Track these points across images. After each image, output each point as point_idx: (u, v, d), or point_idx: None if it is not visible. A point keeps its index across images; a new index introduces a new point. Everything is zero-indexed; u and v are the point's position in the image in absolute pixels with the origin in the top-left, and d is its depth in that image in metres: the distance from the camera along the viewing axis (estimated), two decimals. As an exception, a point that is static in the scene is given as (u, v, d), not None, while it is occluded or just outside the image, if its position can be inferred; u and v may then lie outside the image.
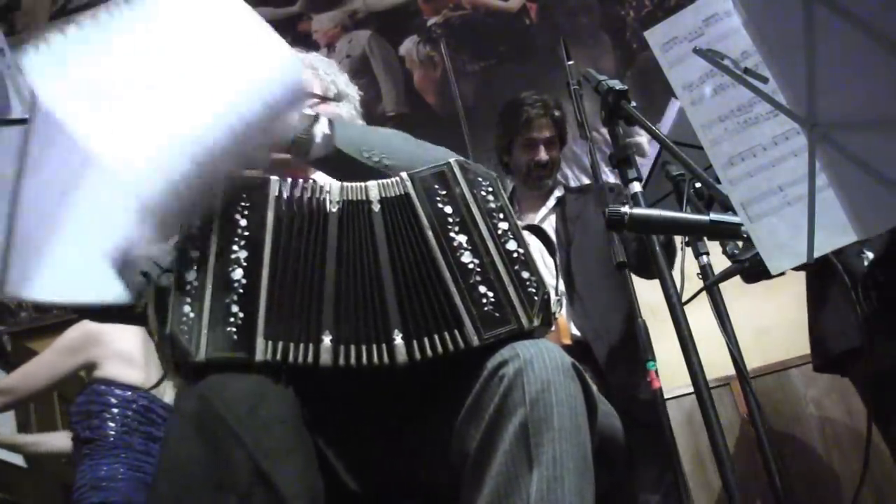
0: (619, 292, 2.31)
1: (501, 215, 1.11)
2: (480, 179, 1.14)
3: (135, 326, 2.51)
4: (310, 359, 1.03)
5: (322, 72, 1.45)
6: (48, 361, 2.36)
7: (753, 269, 2.20)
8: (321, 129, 1.17)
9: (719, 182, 1.08)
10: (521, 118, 2.44)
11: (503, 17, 3.85)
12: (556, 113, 2.48)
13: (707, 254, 1.94)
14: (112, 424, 2.31)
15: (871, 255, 1.98)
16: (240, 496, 0.93)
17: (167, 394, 2.46)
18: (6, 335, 3.16)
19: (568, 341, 2.18)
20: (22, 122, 0.95)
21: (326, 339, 1.04)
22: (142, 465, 2.32)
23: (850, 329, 2.07)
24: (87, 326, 2.38)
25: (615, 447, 1.12)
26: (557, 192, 2.54)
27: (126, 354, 2.38)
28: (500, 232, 1.10)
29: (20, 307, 3.99)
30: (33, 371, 2.36)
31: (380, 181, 1.13)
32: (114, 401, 2.33)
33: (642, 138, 3.20)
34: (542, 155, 2.45)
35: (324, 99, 1.39)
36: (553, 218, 2.48)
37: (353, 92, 1.48)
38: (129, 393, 2.35)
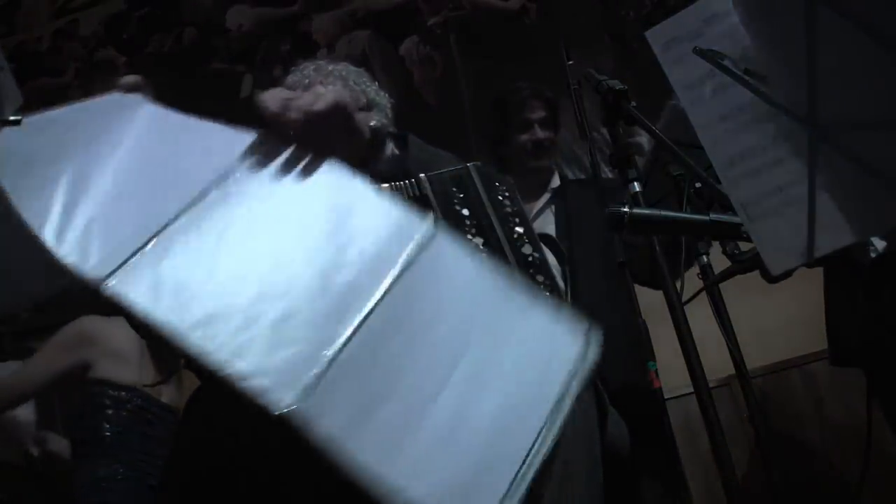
0: (620, 290, 2.31)
1: (517, 220, 1.12)
2: (497, 184, 1.14)
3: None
4: None
5: (352, 82, 1.45)
6: (43, 360, 2.33)
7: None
8: (391, 147, 1.17)
9: (719, 182, 1.07)
10: (513, 101, 2.46)
11: (503, 17, 3.85)
12: (548, 94, 2.49)
13: (707, 254, 1.94)
14: (107, 425, 2.29)
15: (878, 246, 1.98)
16: (247, 496, 0.94)
17: (164, 393, 2.45)
18: (6, 335, 3.15)
19: None
20: (16, 122, 0.94)
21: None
22: (141, 464, 2.31)
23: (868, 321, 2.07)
24: (81, 325, 2.36)
25: (621, 454, 1.13)
26: (554, 184, 2.51)
27: (120, 353, 2.35)
28: (515, 236, 1.11)
29: (20, 307, 3.99)
30: (28, 372, 2.33)
31: (393, 182, 1.13)
32: (108, 402, 2.31)
33: (642, 138, 3.20)
34: (539, 133, 2.44)
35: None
36: (554, 208, 2.44)
37: (385, 100, 1.48)
38: (124, 393, 2.33)
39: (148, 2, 4.38)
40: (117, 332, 2.39)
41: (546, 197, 2.46)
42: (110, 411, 2.31)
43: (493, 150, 2.58)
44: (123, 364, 2.36)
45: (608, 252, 2.18)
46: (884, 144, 0.85)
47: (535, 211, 2.40)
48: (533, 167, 2.44)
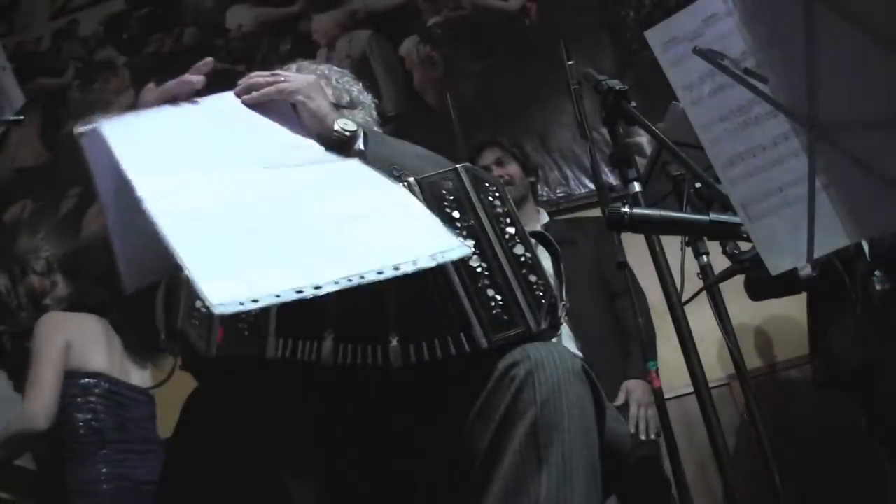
0: (610, 318, 2.41)
1: (508, 220, 1.12)
2: (487, 185, 1.14)
3: (94, 315, 2.47)
4: (313, 356, 1.04)
5: (335, 81, 1.46)
6: (43, 356, 2.29)
7: (757, 286, 2.26)
8: (358, 142, 1.21)
9: (719, 182, 1.08)
10: (470, 158, 2.69)
11: (503, 17, 3.85)
12: (499, 138, 2.75)
13: (707, 254, 1.94)
14: (78, 415, 2.27)
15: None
16: (247, 494, 0.94)
17: (133, 376, 2.43)
18: (6, 335, 3.15)
19: None
20: (17, 122, 0.94)
21: (329, 338, 1.05)
22: (123, 455, 2.28)
23: (866, 342, 2.08)
24: (49, 317, 2.40)
25: (621, 451, 1.13)
26: (543, 220, 2.70)
27: (86, 341, 2.35)
28: (507, 236, 1.11)
29: (20, 307, 3.99)
30: (40, 379, 2.27)
31: None
32: (75, 391, 2.29)
33: (642, 138, 3.21)
34: (497, 171, 2.66)
35: (336, 107, 1.39)
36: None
37: (368, 100, 1.51)
38: (91, 380, 2.31)
39: (148, 2, 4.38)
40: (81, 322, 2.39)
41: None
42: (79, 400, 2.29)
43: None
44: (91, 351, 2.35)
45: (598, 282, 2.44)
46: (884, 144, 0.85)
47: None
48: None
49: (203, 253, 0.78)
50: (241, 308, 0.74)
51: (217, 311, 0.72)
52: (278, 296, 0.76)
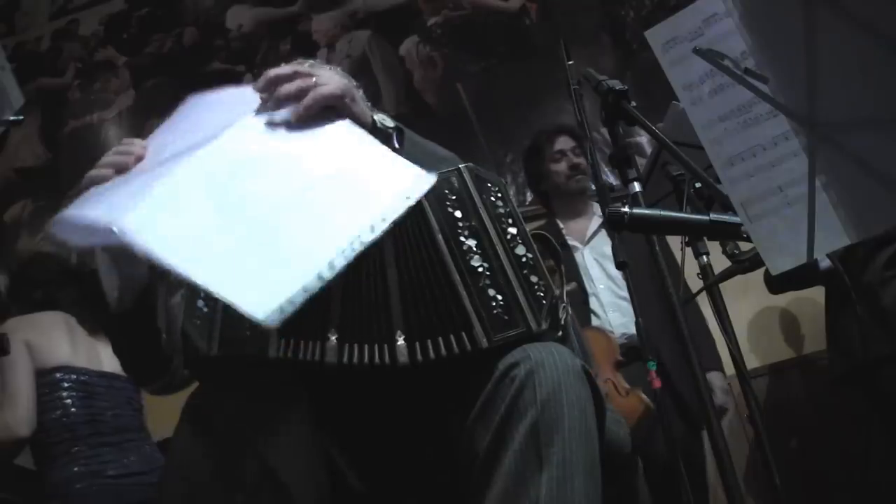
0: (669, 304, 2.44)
1: (510, 220, 1.12)
2: (490, 185, 1.14)
3: (48, 311, 2.40)
4: (317, 356, 1.04)
5: None
6: (9, 363, 2.25)
7: (776, 279, 2.26)
8: (393, 140, 1.17)
9: (719, 182, 1.08)
10: (544, 139, 2.76)
11: (503, 17, 3.85)
12: (572, 127, 2.75)
13: (707, 254, 1.94)
14: (48, 414, 2.25)
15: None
16: (247, 494, 0.94)
17: (105, 362, 2.40)
18: (6, 335, 3.15)
19: (619, 357, 2.29)
20: (16, 122, 0.94)
21: (332, 338, 1.05)
22: (95, 455, 2.26)
23: (868, 339, 2.08)
24: (5, 323, 2.37)
25: (620, 454, 1.13)
26: (599, 210, 2.72)
27: (42, 339, 2.33)
28: (508, 237, 1.11)
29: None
30: (12, 386, 2.25)
31: None
32: (44, 389, 2.27)
33: (642, 138, 3.22)
34: (573, 159, 2.71)
35: None
36: (603, 234, 2.64)
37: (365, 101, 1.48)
38: (57, 374, 2.29)
39: (148, 2, 4.37)
40: (36, 320, 2.38)
41: (599, 220, 2.68)
42: (47, 397, 2.27)
43: (535, 191, 2.89)
44: (51, 346, 2.33)
45: (655, 271, 2.37)
46: (884, 144, 0.85)
47: (590, 231, 2.67)
48: (574, 189, 2.71)
49: (221, 273, 0.81)
50: (283, 315, 0.78)
51: (268, 323, 0.77)
52: (305, 289, 0.80)
